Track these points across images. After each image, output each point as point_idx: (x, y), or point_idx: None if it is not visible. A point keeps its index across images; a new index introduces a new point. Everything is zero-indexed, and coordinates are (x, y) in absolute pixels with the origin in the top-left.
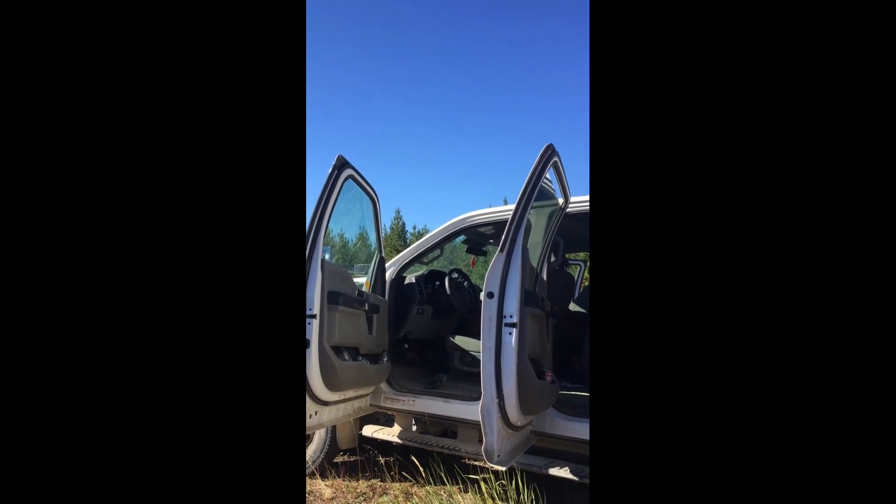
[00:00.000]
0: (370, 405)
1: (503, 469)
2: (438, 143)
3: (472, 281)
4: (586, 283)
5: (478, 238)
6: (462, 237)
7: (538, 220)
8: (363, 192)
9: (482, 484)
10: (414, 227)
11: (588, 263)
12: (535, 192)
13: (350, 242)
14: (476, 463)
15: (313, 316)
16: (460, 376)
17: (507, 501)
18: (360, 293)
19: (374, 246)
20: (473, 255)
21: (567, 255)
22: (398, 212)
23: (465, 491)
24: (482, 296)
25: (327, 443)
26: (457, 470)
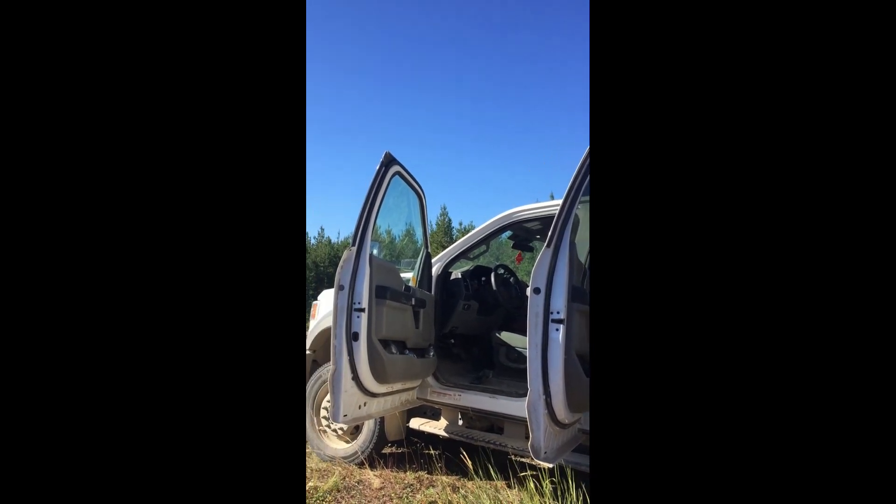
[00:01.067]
0: (417, 398)
1: (550, 466)
2: (484, 139)
3: (519, 277)
4: None
5: (524, 234)
6: (508, 233)
7: (586, 215)
8: (410, 189)
9: (530, 481)
10: (460, 223)
11: None
12: (583, 187)
13: (397, 238)
14: (523, 459)
15: (362, 310)
16: (506, 372)
17: (556, 499)
18: (407, 288)
19: (420, 242)
20: (519, 251)
21: None
22: (444, 208)
23: (512, 487)
24: (528, 291)
25: (376, 434)
26: (506, 465)
